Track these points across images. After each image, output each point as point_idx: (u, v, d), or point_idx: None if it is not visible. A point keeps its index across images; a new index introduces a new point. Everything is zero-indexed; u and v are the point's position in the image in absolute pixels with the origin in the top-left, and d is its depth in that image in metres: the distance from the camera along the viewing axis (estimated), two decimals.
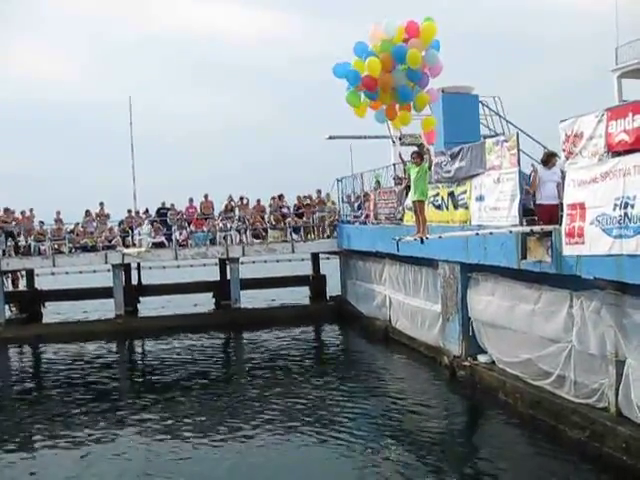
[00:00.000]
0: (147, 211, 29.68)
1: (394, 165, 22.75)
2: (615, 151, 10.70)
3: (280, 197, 29.63)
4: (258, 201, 29.59)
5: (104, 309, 28.84)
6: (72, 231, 27.58)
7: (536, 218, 13.56)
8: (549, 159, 13.43)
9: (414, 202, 14.18)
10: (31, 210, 28.39)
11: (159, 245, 27.46)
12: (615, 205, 10.54)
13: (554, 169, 13.25)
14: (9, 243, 26.65)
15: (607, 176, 10.76)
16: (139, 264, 30.45)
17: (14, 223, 27.60)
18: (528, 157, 15.80)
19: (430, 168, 14.09)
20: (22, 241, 27.14)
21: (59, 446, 13.45)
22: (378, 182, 23.99)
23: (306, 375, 18.75)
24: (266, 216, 29.11)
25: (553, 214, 12.89)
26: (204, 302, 31.33)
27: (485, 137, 17.49)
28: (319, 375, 18.76)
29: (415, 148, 15.94)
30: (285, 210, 29.07)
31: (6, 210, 27.73)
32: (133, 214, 29.11)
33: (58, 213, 28.14)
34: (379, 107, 11.95)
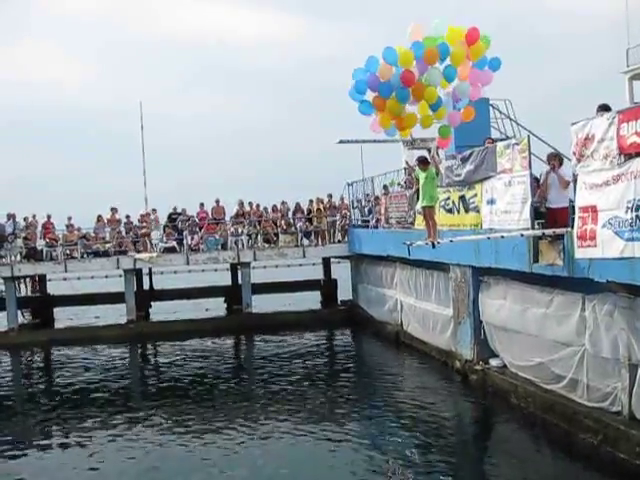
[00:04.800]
0: (155, 211, 29.71)
1: (405, 169, 22.74)
2: (627, 153, 10.65)
3: (297, 207, 29.59)
4: (257, 206, 29.58)
5: (116, 314, 28.91)
6: (84, 236, 27.65)
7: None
8: (553, 162, 13.45)
9: (423, 208, 14.17)
10: (34, 216, 28.48)
11: (171, 250, 27.53)
12: (627, 208, 10.49)
13: (560, 171, 13.23)
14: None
15: (619, 179, 10.71)
16: (150, 269, 30.52)
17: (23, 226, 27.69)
18: (539, 160, 15.75)
19: (437, 173, 14.08)
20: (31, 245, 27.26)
21: (72, 449, 13.54)
22: (386, 187, 23.95)
23: (317, 379, 18.74)
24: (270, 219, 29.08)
25: (557, 217, 13.15)
26: (216, 307, 31.38)
27: (495, 140, 17.44)
28: (330, 379, 18.78)
29: (424, 152, 15.96)
30: (298, 222, 28.95)
31: None
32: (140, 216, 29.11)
33: (69, 218, 28.20)
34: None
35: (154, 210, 29.72)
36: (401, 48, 11.43)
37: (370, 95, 11.94)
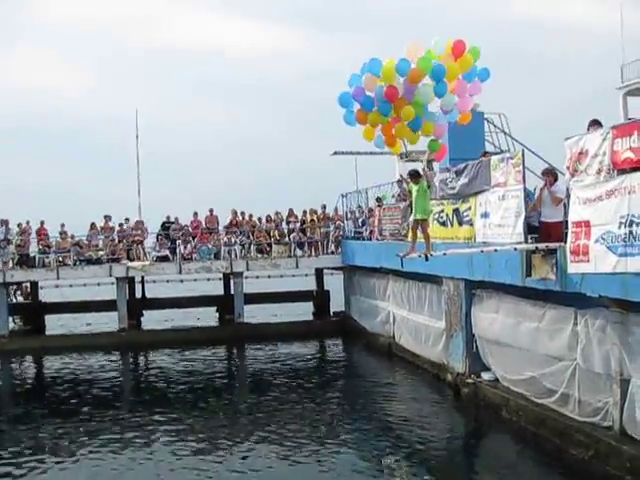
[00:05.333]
0: (142, 223, 29.59)
1: (398, 182, 22.77)
2: (620, 169, 10.68)
3: (290, 212, 29.66)
4: (251, 216, 29.65)
5: (107, 322, 28.84)
6: (77, 244, 27.60)
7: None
8: (547, 178, 13.52)
9: (416, 221, 14.18)
10: (27, 222, 28.44)
11: (163, 259, 27.49)
12: (620, 223, 10.51)
13: (554, 187, 13.30)
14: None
15: (612, 194, 10.74)
16: (143, 277, 30.46)
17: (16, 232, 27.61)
18: (533, 174, 15.80)
19: (429, 186, 14.05)
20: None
21: (61, 458, 13.42)
22: (379, 199, 23.98)
23: (308, 391, 18.70)
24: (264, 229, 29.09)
25: (551, 231, 13.13)
26: (208, 316, 31.30)
27: (490, 153, 17.48)
28: (321, 391, 18.74)
29: (419, 164, 15.96)
30: (293, 225, 29.04)
31: None
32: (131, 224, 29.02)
33: (62, 226, 28.16)
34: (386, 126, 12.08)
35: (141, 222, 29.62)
36: (388, 63, 11.46)
37: (356, 106, 12.02)
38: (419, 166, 14.66)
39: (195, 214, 29.27)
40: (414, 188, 13.81)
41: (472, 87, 12.07)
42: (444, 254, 14.78)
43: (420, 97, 11.54)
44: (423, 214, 13.81)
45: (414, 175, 13.72)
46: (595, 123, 12.09)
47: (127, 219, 29.19)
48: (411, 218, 15.12)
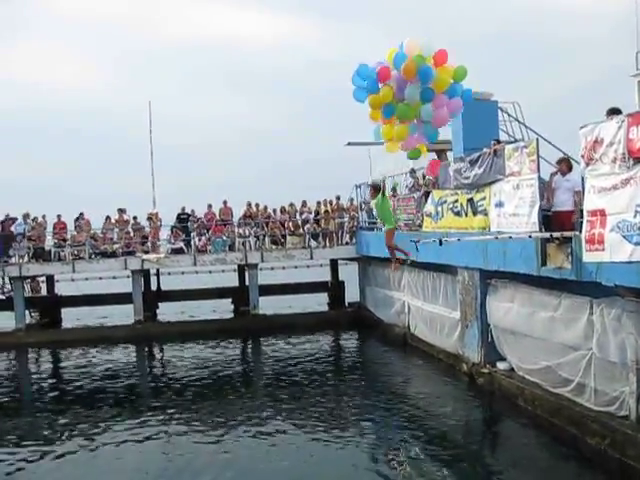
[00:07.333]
0: (157, 215, 29.63)
1: (412, 172, 22.72)
2: (636, 157, 10.60)
3: (303, 204, 29.70)
4: (265, 207, 29.68)
5: (123, 315, 28.99)
6: (92, 237, 27.73)
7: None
8: (560, 166, 13.53)
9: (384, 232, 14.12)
10: (43, 216, 28.63)
11: (178, 251, 27.58)
12: (636, 212, 10.45)
13: (568, 176, 13.31)
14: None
15: (628, 182, 10.67)
16: (158, 270, 30.58)
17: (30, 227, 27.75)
18: (548, 163, 15.72)
19: (384, 194, 13.70)
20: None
21: (79, 449, 13.53)
22: (394, 189, 23.97)
23: (324, 381, 18.73)
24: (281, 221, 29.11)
25: (564, 220, 13.13)
26: (223, 308, 31.41)
27: (503, 142, 17.40)
28: (337, 381, 18.78)
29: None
30: (306, 215, 29.08)
31: None
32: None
33: (77, 219, 28.28)
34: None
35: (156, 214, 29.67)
36: (390, 50, 11.22)
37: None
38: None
39: (209, 206, 29.28)
40: (372, 202, 13.73)
41: (452, 104, 11.58)
42: (458, 240, 14.77)
43: (409, 95, 11.22)
44: (389, 225, 13.66)
45: (372, 189, 13.61)
46: (614, 112, 11.87)
47: (135, 217, 29.26)
48: (427, 206, 14.90)
